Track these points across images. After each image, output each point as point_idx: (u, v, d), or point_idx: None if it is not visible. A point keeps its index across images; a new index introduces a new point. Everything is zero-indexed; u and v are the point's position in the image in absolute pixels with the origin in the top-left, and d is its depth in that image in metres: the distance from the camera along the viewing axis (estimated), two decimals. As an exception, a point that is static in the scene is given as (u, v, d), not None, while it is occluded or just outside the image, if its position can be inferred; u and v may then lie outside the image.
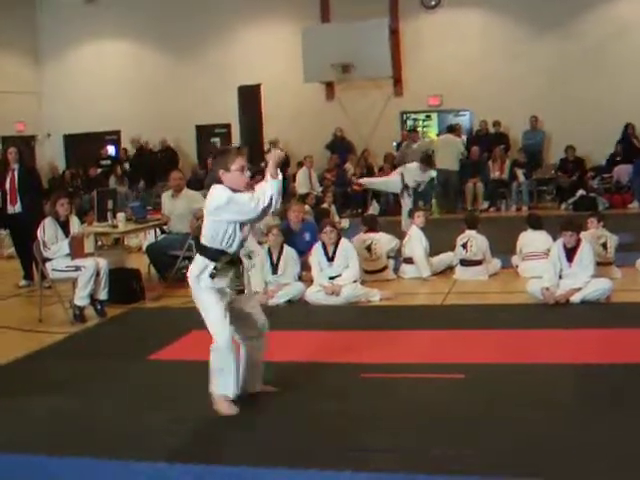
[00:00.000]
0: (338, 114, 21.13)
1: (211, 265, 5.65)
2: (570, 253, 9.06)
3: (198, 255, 5.79)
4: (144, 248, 12.53)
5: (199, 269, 5.69)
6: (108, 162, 22.77)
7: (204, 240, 5.71)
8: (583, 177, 18.71)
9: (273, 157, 5.46)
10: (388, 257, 11.27)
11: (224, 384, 5.75)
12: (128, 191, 20.63)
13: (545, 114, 20.01)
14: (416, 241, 10.95)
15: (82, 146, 23.85)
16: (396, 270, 11.18)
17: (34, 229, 9.79)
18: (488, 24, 20.86)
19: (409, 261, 11.08)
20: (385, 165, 19.79)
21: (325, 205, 16.09)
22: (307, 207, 13.60)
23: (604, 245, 10.26)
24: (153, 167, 21.42)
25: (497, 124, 20.19)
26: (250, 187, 5.60)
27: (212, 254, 5.66)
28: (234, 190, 5.53)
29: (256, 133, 20.95)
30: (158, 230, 12.18)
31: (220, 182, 5.60)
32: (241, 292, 5.84)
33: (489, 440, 5.08)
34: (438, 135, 21.57)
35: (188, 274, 5.80)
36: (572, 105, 19.58)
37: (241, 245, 5.77)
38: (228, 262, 5.70)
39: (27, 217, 11.32)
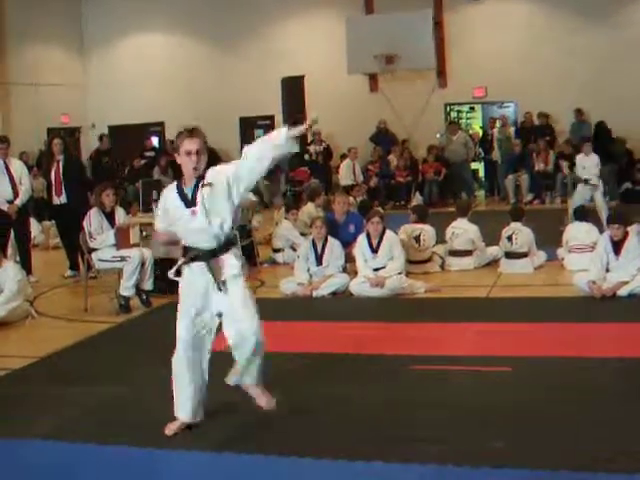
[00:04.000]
0: (382, 106, 21.00)
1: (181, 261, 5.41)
2: (617, 246, 8.97)
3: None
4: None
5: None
6: (152, 153, 22.84)
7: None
8: (630, 169, 18.45)
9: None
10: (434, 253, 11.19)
11: (177, 405, 5.38)
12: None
13: (592, 105, 19.67)
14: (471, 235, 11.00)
15: (126, 137, 23.92)
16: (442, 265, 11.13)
17: (80, 220, 9.88)
18: (533, 14, 20.61)
19: (456, 254, 11.03)
20: (429, 157, 19.67)
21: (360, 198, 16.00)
22: (351, 199, 13.55)
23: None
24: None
25: (542, 116, 19.93)
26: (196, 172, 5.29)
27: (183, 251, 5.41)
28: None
29: (300, 125, 20.96)
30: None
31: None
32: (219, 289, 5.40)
33: (536, 433, 5.04)
34: (482, 127, 21.48)
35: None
36: (619, 96, 19.24)
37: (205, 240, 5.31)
38: (194, 258, 5.36)
39: (73, 208, 11.42)
